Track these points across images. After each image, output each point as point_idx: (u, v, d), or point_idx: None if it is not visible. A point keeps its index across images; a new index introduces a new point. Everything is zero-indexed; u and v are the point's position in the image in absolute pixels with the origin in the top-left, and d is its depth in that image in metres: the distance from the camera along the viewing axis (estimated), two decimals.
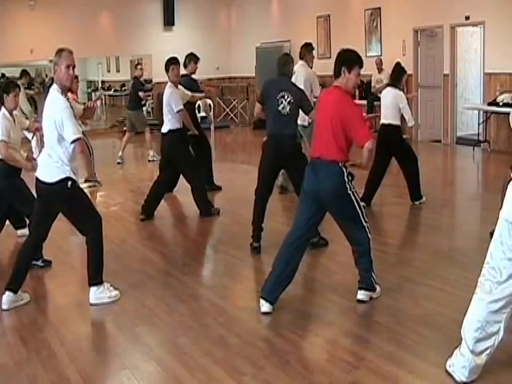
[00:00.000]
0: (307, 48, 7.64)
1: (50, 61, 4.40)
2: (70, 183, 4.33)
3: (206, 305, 4.55)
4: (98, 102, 17.25)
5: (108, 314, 4.44)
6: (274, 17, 16.23)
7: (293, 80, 5.73)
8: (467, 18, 11.05)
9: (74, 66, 4.33)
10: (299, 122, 5.84)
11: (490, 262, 3.11)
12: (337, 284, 4.79)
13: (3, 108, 5.37)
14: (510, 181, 3.11)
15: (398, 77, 7.04)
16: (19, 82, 8.41)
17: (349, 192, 4.14)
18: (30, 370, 3.64)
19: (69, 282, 5.22)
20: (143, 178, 9.65)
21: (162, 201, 7.23)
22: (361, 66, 4.20)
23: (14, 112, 5.54)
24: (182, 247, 6.23)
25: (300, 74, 7.36)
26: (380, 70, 12.49)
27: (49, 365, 3.68)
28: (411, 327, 3.93)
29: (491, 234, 3.19)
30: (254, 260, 5.54)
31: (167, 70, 6.92)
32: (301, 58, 7.85)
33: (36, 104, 13.10)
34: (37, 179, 4.41)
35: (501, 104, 10.21)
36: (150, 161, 11.15)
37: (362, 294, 4.35)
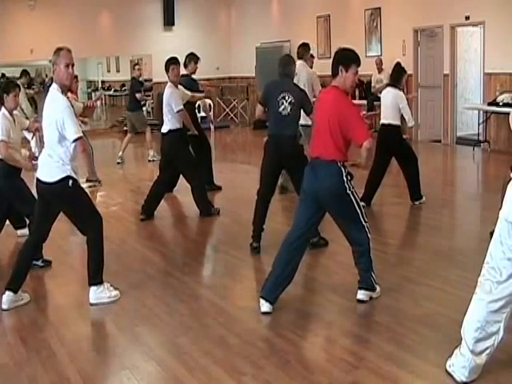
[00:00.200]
0: (305, 48, 7.64)
1: (50, 61, 4.40)
2: (70, 182, 4.33)
3: (206, 305, 4.55)
4: (98, 102, 17.27)
5: (108, 314, 4.44)
6: (274, 17, 16.23)
7: (295, 80, 5.72)
8: (467, 18, 11.05)
9: (73, 65, 4.33)
10: (303, 121, 5.82)
11: (490, 262, 3.11)
12: (337, 284, 4.79)
13: (3, 108, 5.37)
14: (509, 181, 3.11)
15: (398, 77, 7.04)
16: (19, 82, 8.42)
17: (348, 192, 4.14)
18: (30, 369, 3.64)
19: (69, 282, 5.22)
20: (143, 177, 9.65)
21: (162, 201, 7.23)
22: (358, 65, 4.20)
23: (14, 112, 5.54)
24: (182, 247, 6.23)
25: (301, 74, 7.37)
26: (380, 70, 12.49)
27: (49, 365, 3.68)
28: (411, 327, 3.93)
29: (491, 234, 3.19)
30: (254, 260, 5.54)
31: (167, 70, 6.92)
32: (299, 58, 7.84)
33: (36, 104, 13.12)
34: (37, 180, 4.41)
35: (501, 104, 10.21)
36: (150, 161, 11.15)
37: (361, 294, 4.35)
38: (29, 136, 8.61)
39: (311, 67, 7.87)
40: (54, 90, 4.32)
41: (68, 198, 4.42)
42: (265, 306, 4.20)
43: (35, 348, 3.91)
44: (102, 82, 19.62)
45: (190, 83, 7.80)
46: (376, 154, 6.84)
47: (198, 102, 9.27)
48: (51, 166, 4.33)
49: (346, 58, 4.19)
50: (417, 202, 7.11)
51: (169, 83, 6.96)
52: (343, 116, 4.11)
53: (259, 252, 5.56)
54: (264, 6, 16.39)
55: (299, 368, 3.51)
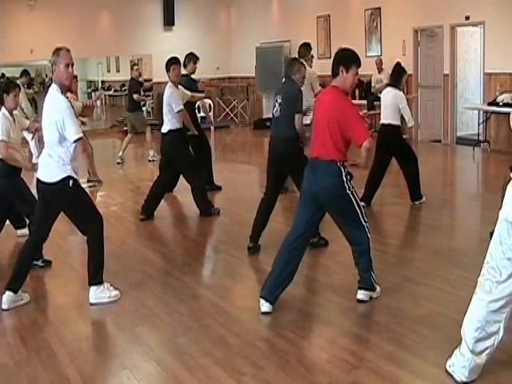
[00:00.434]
0: (306, 48, 7.63)
1: (50, 61, 4.40)
2: (71, 182, 4.33)
3: (206, 305, 4.55)
4: (98, 102, 17.28)
5: (108, 314, 4.44)
6: (274, 17, 16.23)
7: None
8: (467, 17, 11.05)
9: (72, 65, 4.33)
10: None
11: (490, 262, 3.12)
12: (337, 284, 4.79)
13: (3, 108, 5.38)
14: (509, 181, 3.11)
15: (398, 77, 7.04)
16: (19, 82, 8.41)
17: (348, 192, 4.14)
18: (30, 369, 3.64)
19: (69, 282, 5.22)
20: (143, 177, 9.65)
21: (162, 201, 7.23)
22: (359, 66, 4.21)
23: (14, 112, 5.54)
24: (182, 247, 6.23)
25: None
26: (380, 70, 12.49)
27: (49, 365, 3.68)
28: (411, 327, 3.93)
29: (491, 234, 3.19)
30: (254, 260, 5.54)
31: (168, 70, 6.92)
32: (300, 58, 7.82)
33: (36, 104, 13.13)
34: (37, 180, 4.41)
35: (501, 104, 10.21)
36: (150, 161, 11.16)
37: (361, 294, 4.35)
38: (28, 137, 8.60)
39: (311, 67, 7.86)
40: (54, 90, 4.32)
41: (68, 198, 4.42)
42: (265, 306, 4.20)
43: (35, 348, 3.91)
44: (102, 81, 19.63)
45: (189, 83, 7.80)
46: (376, 154, 6.84)
47: (198, 103, 9.25)
48: (52, 166, 4.33)
49: (346, 59, 4.19)
50: (417, 202, 7.11)
51: (169, 83, 6.96)
52: (343, 116, 4.11)
53: (254, 253, 5.56)
54: (264, 5, 16.39)
55: (299, 368, 3.51)
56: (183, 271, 5.26)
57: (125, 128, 13.28)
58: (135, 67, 12.08)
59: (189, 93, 7.63)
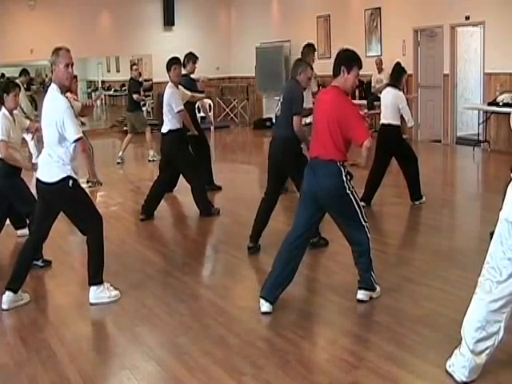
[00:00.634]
0: (309, 48, 7.61)
1: (50, 61, 4.39)
2: (71, 182, 4.33)
3: (206, 305, 4.55)
4: (98, 102, 17.27)
5: (108, 314, 4.44)
6: (274, 17, 16.23)
7: None
8: (467, 18, 11.05)
9: (72, 65, 4.33)
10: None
11: (490, 262, 3.12)
12: (337, 284, 4.79)
13: (3, 108, 5.38)
14: (510, 182, 3.12)
15: (397, 77, 7.04)
16: (18, 81, 8.40)
17: (348, 192, 4.13)
18: (30, 369, 3.64)
19: (69, 282, 5.22)
20: (143, 177, 9.65)
21: (162, 201, 7.23)
22: (360, 67, 4.21)
23: (14, 112, 5.54)
24: (182, 247, 6.23)
25: None
26: (380, 70, 12.49)
27: (49, 365, 3.68)
28: (411, 327, 3.93)
29: (491, 234, 3.19)
30: (254, 260, 5.54)
31: (169, 70, 6.92)
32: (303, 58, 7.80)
33: (36, 103, 13.12)
34: (37, 180, 4.41)
35: (501, 104, 10.21)
36: (150, 161, 11.16)
37: (361, 294, 4.35)
38: (27, 137, 8.58)
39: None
40: (54, 90, 4.32)
41: (68, 198, 4.42)
42: (265, 306, 4.20)
43: (35, 348, 3.91)
44: (102, 81, 19.63)
45: (189, 83, 7.80)
46: (376, 154, 6.84)
47: (198, 103, 9.25)
48: (51, 166, 4.33)
49: (348, 59, 4.19)
50: (417, 202, 7.11)
51: (169, 83, 6.96)
52: (343, 116, 4.11)
53: (254, 253, 5.56)
54: (264, 5, 16.39)
55: (299, 368, 3.51)
56: (183, 271, 5.26)
57: (125, 128, 13.28)
58: (134, 67, 12.06)
59: (189, 93, 7.63)
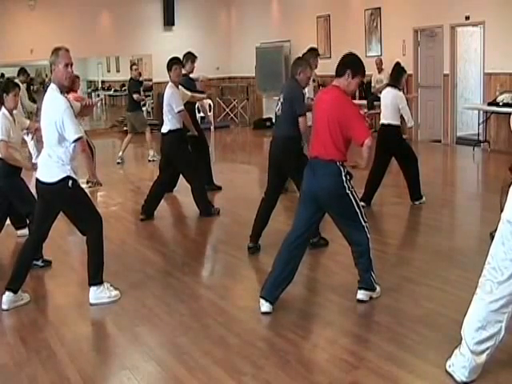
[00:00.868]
0: (313, 52, 7.59)
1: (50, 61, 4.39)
2: (70, 182, 4.33)
3: (206, 305, 4.55)
4: (98, 103, 17.30)
5: (108, 314, 4.44)
6: (274, 17, 16.23)
7: None
8: (467, 18, 11.04)
9: (71, 65, 4.33)
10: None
11: (491, 263, 3.12)
12: (337, 284, 4.79)
13: (3, 108, 5.37)
14: (510, 183, 3.12)
15: (397, 77, 7.04)
16: (17, 80, 8.39)
17: (347, 191, 4.13)
18: (30, 369, 3.64)
19: (69, 282, 5.22)
20: (143, 177, 9.65)
21: (162, 201, 7.23)
22: (363, 76, 4.29)
23: (14, 111, 5.53)
24: (182, 247, 6.23)
25: None
26: (380, 69, 12.49)
27: (49, 365, 3.68)
28: (411, 327, 3.93)
29: (491, 234, 3.19)
30: (254, 260, 5.54)
31: (169, 70, 6.91)
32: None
33: (36, 103, 13.12)
34: (37, 180, 4.41)
35: (501, 104, 10.21)
36: (150, 161, 11.16)
37: (361, 294, 4.35)
38: (27, 138, 8.58)
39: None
40: (53, 90, 4.31)
41: (68, 199, 4.42)
42: (265, 306, 4.20)
43: (35, 348, 3.91)
44: (102, 81, 19.64)
45: (188, 83, 7.81)
46: (376, 154, 6.83)
47: (197, 103, 9.25)
48: (51, 166, 4.33)
49: (355, 65, 4.21)
50: (417, 202, 7.11)
51: (170, 83, 6.95)
52: (343, 115, 4.11)
53: (254, 253, 5.56)
54: (264, 5, 16.39)
55: (299, 368, 3.51)
56: (183, 271, 5.26)
57: (125, 128, 13.28)
58: (134, 67, 12.06)
59: (189, 93, 7.63)
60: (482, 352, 3.17)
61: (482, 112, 11.16)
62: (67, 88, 4.53)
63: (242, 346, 3.77)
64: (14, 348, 3.94)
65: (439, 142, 12.07)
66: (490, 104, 10.58)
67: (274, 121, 5.65)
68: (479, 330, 3.13)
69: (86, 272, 4.58)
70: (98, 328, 4.44)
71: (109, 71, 19.25)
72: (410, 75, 11.12)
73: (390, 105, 6.94)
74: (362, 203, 4.43)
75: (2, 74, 15.77)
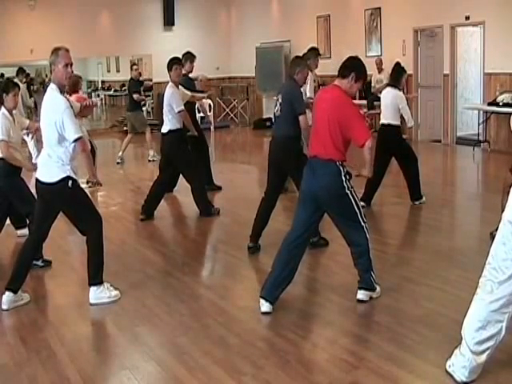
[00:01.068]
0: (313, 52, 7.58)
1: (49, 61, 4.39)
2: (70, 182, 4.33)
3: (206, 305, 4.55)
4: (99, 103, 17.31)
5: (108, 314, 4.44)
6: (274, 17, 16.23)
7: None
8: (467, 18, 11.04)
9: (71, 65, 4.33)
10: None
11: (492, 263, 3.11)
12: (337, 284, 4.79)
13: (3, 107, 5.37)
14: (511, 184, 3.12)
15: (397, 77, 7.04)
16: (16, 80, 8.40)
17: (347, 191, 4.13)
18: (30, 369, 3.64)
19: (69, 282, 5.22)
20: (143, 177, 9.65)
21: (162, 201, 7.23)
22: (364, 81, 4.37)
23: (14, 111, 5.53)
24: (182, 247, 6.23)
25: None
26: (380, 69, 12.49)
27: (49, 365, 3.68)
28: (411, 327, 3.93)
29: (491, 234, 3.19)
30: (254, 260, 5.54)
31: (170, 70, 6.91)
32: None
33: (36, 103, 13.13)
34: (37, 180, 4.41)
35: (501, 104, 10.21)
36: (150, 161, 11.16)
37: (361, 294, 4.35)
38: (27, 138, 8.58)
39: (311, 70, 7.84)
40: (53, 90, 4.31)
41: (68, 199, 4.42)
42: (265, 306, 4.20)
43: (35, 348, 3.91)
44: (102, 81, 19.64)
45: (188, 83, 7.81)
46: (376, 154, 6.82)
47: (197, 103, 9.25)
48: (51, 166, 4.33)
49: (360, 70, 4.25)
50: (417, 202, 7.11)
51: (170, 83, 6.95)
52: (343, 115, 4.11)
53: (254, 253, 5.56)
54: (264, 5, 16.39)
55: (299, 368, 3.51)
56: (183, 271, 5.26)
57: (125, 128, 13.28)
58: (134, 67, 12.06)
59: (189, 93, 7.63)
60: (483, 352, 3.17)
61: (481, 112, 11.16)
62: (71, 89, 4.52)
63: (242, 346, 3.77)
64: (14, 348, 3.94)
65: (439, 142, 12.07)
66: (489, 104, 10.58)
67: (273, 121, 5.63)
68: (479, 330, 3.13)
69: (86, 272, 4.58)
70: (97, 328, 4.44)
71: (109, 71, 19.25)
72: (410, 75, 11.12)
73: (390, 105, 6.94)
74: (361, 203, 4.44)
75: (2, 74, 15.77)
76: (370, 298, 4.37)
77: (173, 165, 7.03)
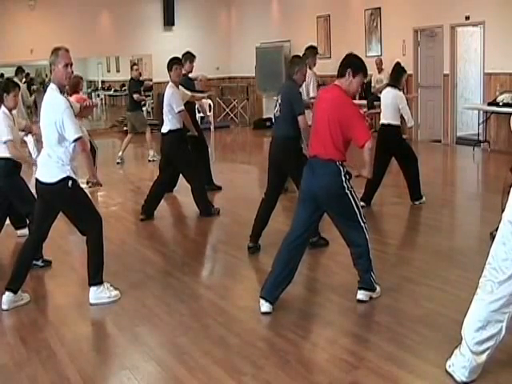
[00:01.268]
0: (312, 51, 7.58)
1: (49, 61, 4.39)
2: (70, 183, 4.33)
3: (206, 305, 4.55)
4: (99, 103, 17.31)
5: (108, 314, 4.44)
6: (274, 17, 16.23)
7: None
8: (467, 18, 11.05)
9: (71, 65, 4.33)
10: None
11: (492, 263, 3.11)
12: (337, 284, 4.79)
13: (3, 107, 5.37)
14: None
15: (397, 77, 7.04)
16: (16, 79, 8.40)
17: (346, 191, 4.13)
18: (30, 369, 3.64)
19: (69, 282, 5.22)
20: (143, 177, 9.65)
21: (162, 201, 7.23)
22: (365, 76, 4.27)
23: (13, 112, 5.54)
24: (182, 247, 6.23)
25: None
26: (380, 69, 12.49)
27: (49, 365, 3.68)
28: (411, 327, 3.93)
29: (491, 234, 3.19)
30: (254, 260, 5.54)
31: (170, 70, 6.91)
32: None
33: (36, 102, 13.13)
34: (37, 180, 4.41)
35: (501, 104, 10.21)
36: (150, 161, 11.16)
37: (361, 294, 4.34)
38: (27, 138, 8.59)
39: (311, 69, 7.85)
40: (53, 90, 4.31)
41: (68, 199, 4.42)
42: (265, 306, 4.20)
43: (35, 348, 3.91)
44: (102, 81, 19.64)
45: (187, 82, 7.80)
46: (376, 154, 6.83)
47: (196, 104, 9.25)
48: (51, 166, 4.33)
49: (356, 65, 4.21)
50: (417, 202, 7.11)
51: (170, 83, 6.95)
52: (343, 116, 4.11)
53: (254, 253, 5.56)
54: (264, 5, 16.39)
55: (299, 368, 3.51)
56: (183, 271, 5.26)
57: (125, 128, 13.28)
58: (135, 67, 12.06)
59: (189, 93, 7.63)
60: (483, 352, 3.17)
61: (481, 112, 11.17)
62: (71, 90, 4.53)
63: (242, 346, 3.77)
64: (14, 348, 3.94)
65: (439, 142, 12.07)
66: (489, 104, 10.59)
67: (273, 121, 5.63)
68: (479, 330, 3.13)
69: (86, 272, 4.58)
70: (97, 328, 4.44)
71: (109, 71, 19.25)
72: (410, 75, 11.11)
73: (390, 105, 6.94)
74: (361, 203, 4.44)
75: (2, 74, 15.75)
76: (370, 298, 4.37)
77: (173, 165, 7.03)
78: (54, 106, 4.25)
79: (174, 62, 6.95)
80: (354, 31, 13.43)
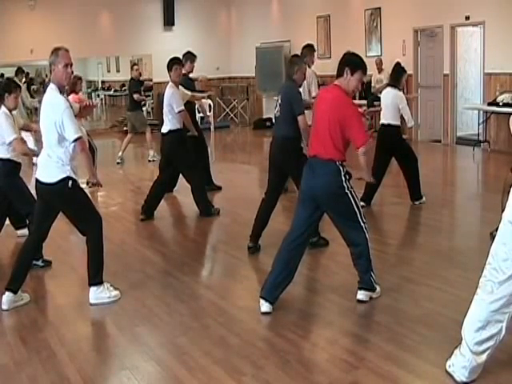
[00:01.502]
0: (309, 49, 7.59)
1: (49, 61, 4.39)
2: (70, 183, 4.33)
3: (206, 305, 4.55)
4: (99, 103, 17.31)
5: (108, 314, 4.44)
6: (274, 17, 16.23)
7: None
8: (467, 18, 11.05)
9: (71, 65, 4.33)
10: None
11: (492, 263, 3.11)
12: (337, 284, 4.79)
13: (3, 106, 5.37)
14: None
15: (397, 77, 7.04)
16: (16, 79, 8.42)
17: (346, 191, 4.13)
18: (30, 369, 3.64)
19: (69, 282, 5.22)
20: (143, 177, 9.65)
21: (162, 201, 7.23)
22: (364, 73, 4.23)
23: (13, 112, 5.54)
24: (181, 247, 6.22)
25: None
26: (380, 69, 12.49)
27: (49, 365, 3.68)
28: (411, 327, 3.93)
29: (491, 234, 3.19)
30: (254, 260, 5.54)
31: (170, 70, 6.90)
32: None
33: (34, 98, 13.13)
34: (37, 180, 4.41)
35: (501, 104, 10.21)
36: (150, 161, 11.16)
37: (361, 294, 4.35)
38: (27, 138, 8.62)
39: (310, 67, 7.85)
40: (53, 90, 4.31)
41: (67, 199, 4.42)
42: (265, 306, 4.20)
43: (35, 348, 3.91)
44: (102, 82, 19.65)
45: (187, 83, 7.80)
46: (376, 154, 6.84)
47: (196, 104, 9.25)
48: (51, 167, 4.33)
49: (353, 62, 4.20)
50: (417, 202, 7.11)
51: (170, 83, 6.95)
52: (343, 116, 4.11)
53: (254, 253, 5.56)
54: (264, 5, 16.39)
55: (299, 368, 3.51)
56: (183, 271, 5.26)
57: (125, 128, 13.29)
58: (135, 67, 12.06)
59: (189, 93, 7.63)
60: (483, 352, 3.17)
61: (481, 112, 11.17)
62: (68, 90, 4.53)
63: (242, 346, 3.77)
64: (14, 348, 3.94)
65: (439, 142, 12.07)
66: (489, 104, 10.59)
67: (273, 121, 5.64)
68: (479, 330, 3.13)
69: (86, 272, 4.58)
70: (97, 328, 4.44)
71: (109, 71, 19.26)
72: (410, 75, 11.11)
73: (390, 105, 6.94)
74: (361, 203, 4.43)
75: (2, 74, 15.76)
76: (370, 298, 4.37)
77: (173, 165, 7.03)
78: (54, 107, 4.25)
79: (174, 62, 6.95)
80: (354, 31, 13.43)
